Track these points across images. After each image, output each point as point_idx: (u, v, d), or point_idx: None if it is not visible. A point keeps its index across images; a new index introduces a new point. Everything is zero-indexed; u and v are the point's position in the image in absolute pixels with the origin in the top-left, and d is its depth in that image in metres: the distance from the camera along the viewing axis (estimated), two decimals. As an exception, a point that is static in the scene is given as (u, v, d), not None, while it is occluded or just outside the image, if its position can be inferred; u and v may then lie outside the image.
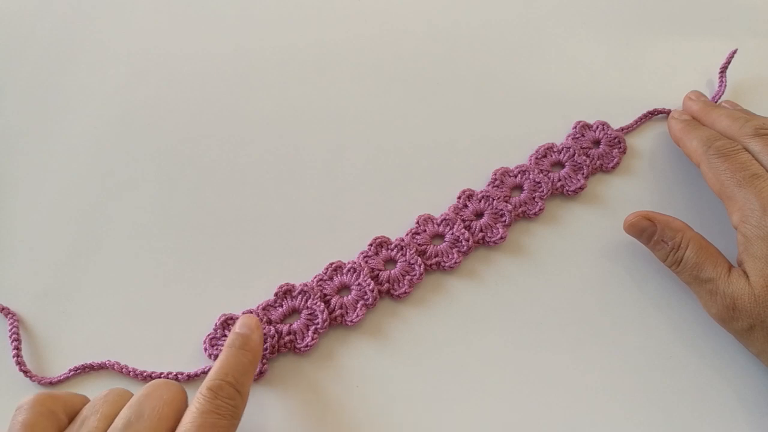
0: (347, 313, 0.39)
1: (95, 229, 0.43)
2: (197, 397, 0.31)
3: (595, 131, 0.47)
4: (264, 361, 0.37)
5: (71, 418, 0.31)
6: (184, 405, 0.32)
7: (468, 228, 0.42)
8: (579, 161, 0.45)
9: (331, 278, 0.40)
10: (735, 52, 0.49)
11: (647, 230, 0.40)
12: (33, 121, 0.47)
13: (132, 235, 0.43)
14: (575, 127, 0.47)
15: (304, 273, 0.40)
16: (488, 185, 0.44)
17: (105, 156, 0.46)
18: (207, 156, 0.46)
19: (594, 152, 0.46)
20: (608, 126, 0.47)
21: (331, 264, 0.40)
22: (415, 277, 0.40)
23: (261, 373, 0.37)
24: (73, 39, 0.51)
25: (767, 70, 0.50)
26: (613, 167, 0.46)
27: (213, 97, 0.48)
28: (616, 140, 0.46)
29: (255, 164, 0.45)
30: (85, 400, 0.33)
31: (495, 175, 0.44)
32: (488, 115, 0.48)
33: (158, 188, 0.45)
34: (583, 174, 0.44)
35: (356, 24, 0.52)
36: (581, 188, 0.44)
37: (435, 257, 0.41)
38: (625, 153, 0.46)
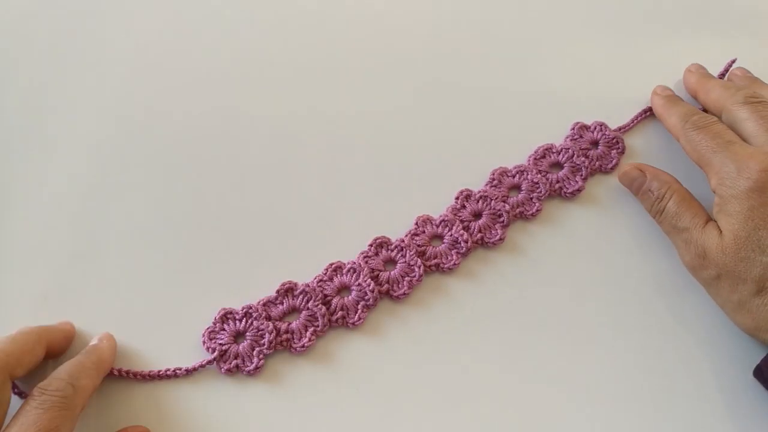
0: (348, 314, 0.39)
1: (94, 229, 0.43)
2: (27, 399, 0.33)
3: (593, 132, 0.47)
4: (260, 356, 0.37)
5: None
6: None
7: (467, 229, 0.42)
8: (578, 162, 0.45)
9: (331, 279, 0.40)
10: (734, 61, 0.49)
11: (637, 180, 0.43)
12: (32, 122, 0.47)
13: (132, 233, 0.43)
14: (573, 128, 0.47)
15: (303, 271, 0.40)
16: (486, 185, 0.44)
17: (104, 156, 0.46)
18: (206, 155, 0.46)
19: (593, 153, 0.46)
20: (606, 127, 0.47)
21: (331, 264, 0.40)
22: (415, 279, 0.40)
23: (257, 368, 0.37)
24: (72, 40, 0.50)
25: (766, 70, 0.48)
26: (612, 168, 0.46)
27: (213, 97, 0.48)
28: (615, 141, 0.46)
29: (255, 163, 0.45)
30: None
31: (493, 174, 0.44)
32: (487, 115, 0.48)
33: (158, 187, 0.44)
34: (581, 176, 0.45)
35: (355, 24, 0.52)
36: (579, 190, 0.44)
37: (434, 258, 0.41)
38: (623, 154, 0.46)
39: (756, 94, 0.41)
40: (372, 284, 0.39)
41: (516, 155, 0.46)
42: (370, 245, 0.41)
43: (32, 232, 0.43)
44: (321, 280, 0.40)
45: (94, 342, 0.38)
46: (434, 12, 0.53)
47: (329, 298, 0.39)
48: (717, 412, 0.38)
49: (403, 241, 0.41)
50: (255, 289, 0.40)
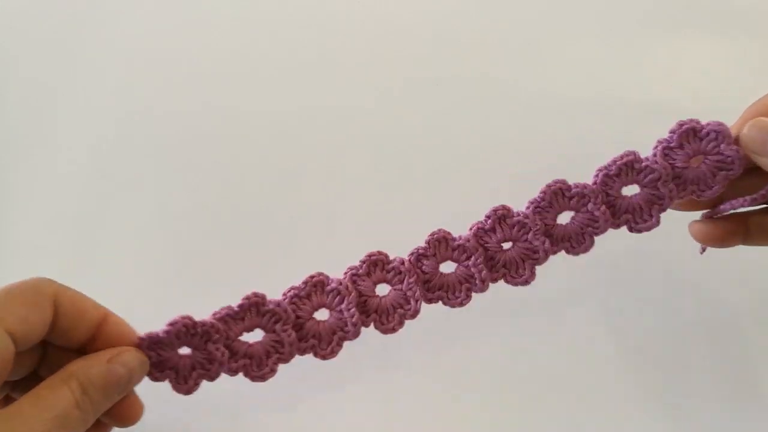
0: (320, 344, 0.33)
1: (95, 229, 0.44)
2: None
3: (701, 140, 0.34)
4: (197, 380, 0.31)
5: None
6: None
7: (489, 261, 0.33)
8: (662, 191, 0.34)
9: (309, 296, 0.33)
10: None
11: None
12: (32, 123, 0.47)
13: (132, 232, 0.44)
14: (675, 131, 0.34)
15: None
16: (531, 205, 0.34)
17: (104, 156, 0.46)
18: (211, 154, 0.46)
19: (688, 174, 0.34)
20: (725, 136, 0.34)
21: (312, 277, 0.33)
22: (409, 313, 0.33)
23: (189, 392, 0.31)
24: (74, 40, 0.50)
25: (766, 70, 0.48)
26: (708, 195, 0.34)
27: (217, 98, 0.48)
28: (729, 161, 0.34)
29: (259, 164, 0.45)
30: None
31: (545, 193, 0.34)
32: (488, 115, 0.47)
33: (158, 187, 0.45)
34: (659, 208, 0.34)
35: (366, 29, 0.50)
36: (650, 228, 0.34)
37: (439, 290, 0.34)
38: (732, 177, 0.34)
39: None
40: (356, 316, 0.33)
41: (516, 153, 0.45)
42: (363, 262, 0.34)
43: (32, 232, 0.44)
44: (297, 296, 0.33)
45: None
46: (452, 16, 0.51)
47: (302, 320, 0.33)
48: (718, 402, 0.40)
49: (404, 263, 0.33)
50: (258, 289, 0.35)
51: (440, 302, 0.34)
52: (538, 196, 0.34)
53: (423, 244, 0.34)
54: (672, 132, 0.34)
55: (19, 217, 0.44)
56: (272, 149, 0.46)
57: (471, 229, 0.34)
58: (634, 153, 0.34)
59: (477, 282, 0.33)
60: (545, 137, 0.45)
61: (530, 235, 0.33)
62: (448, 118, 0.47)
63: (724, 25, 0.51)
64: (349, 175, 0.45)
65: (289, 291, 0.33)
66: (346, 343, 0.33)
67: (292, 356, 0.33)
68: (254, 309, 0.33)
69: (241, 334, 0.33)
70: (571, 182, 0.34)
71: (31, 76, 0.49)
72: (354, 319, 0.32)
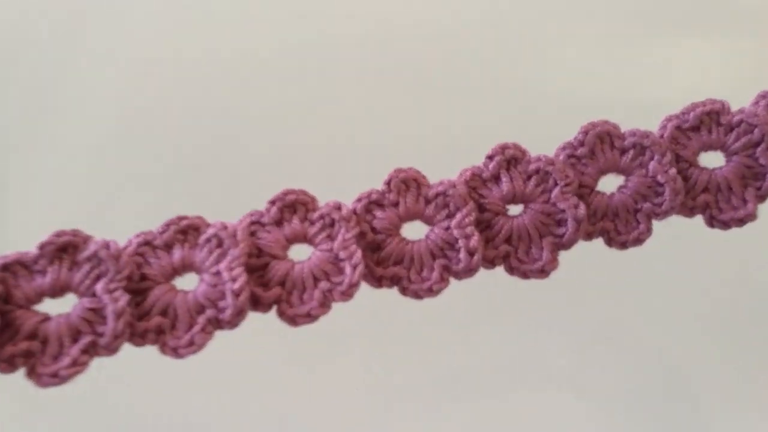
0: (174, 329, 0.18)
1: (96, 230, 0.40)
2: None
3: None
4: None
5: None
6: None
7: (484, 228, 0.20)
8: (763, 163, 0.21)
9: (169, 247, 0.19)
10: None
11: None
12: (32, 123, 0.47)
13: (131, 232, 0.37)
14: None
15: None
16: (563, 151, 0.21)
17: (106, 156, 0.45)
18: (214, 155, 0.45)
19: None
20: None
21: (180, 219, 0.20)
22: (339, 290, 0.19)
23: None
24: (73, 42, 0.48)
25: (766, 70, 0.47)
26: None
27: (217, 97, 0.47)
28: None
29: (263, 165, 0.44)
30: None
31: (586, 133, 0.21)
32: (501, 117, 0.46)
33: (159, 190, 0.44)
34: (759, 190, 0.21)
35: (371, 27, 0.49)
36: (743, 220, 0.21)
37: (396, 264, 0.20)
38: None
39: None
40: (240, 281, 0.18)
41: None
42: (272, 203, 0.20)
43: (32, 232, 0.37)
44: (146, 244, 0.19)
45: None
46: (443, 13, 0.50)
47: (148, 283, 0.19)
48: (713, 400, 0.40)
49: (340, 209, 0.20)
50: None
51: (395, 286, 0.20)
52: (575, 139, 0.21)
53: (380, 187, 0.20)
54: (778, 80, 0.22)
55: (20, 217, 0.43)
56: (272, 149, 0.46)
57: (462, 174, 0.21)
58: (721, 102, 0.22)
59: (461, 255, 0.19)
60: (545, 137, 0.42)
61: (555, 193, 0.20)
62: (447, 117, 0.46)
63: (724, 25, 0.50)
64: (348, 175, 0.43)
65: (137, 236, 0.19)
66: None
67: (117, 342, 0.18)
68: (67, 256, 0.18)
69: (37, 300, 0.18)
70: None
71: (31, 76, 0.48)
72: (237, 287, 0.18)
